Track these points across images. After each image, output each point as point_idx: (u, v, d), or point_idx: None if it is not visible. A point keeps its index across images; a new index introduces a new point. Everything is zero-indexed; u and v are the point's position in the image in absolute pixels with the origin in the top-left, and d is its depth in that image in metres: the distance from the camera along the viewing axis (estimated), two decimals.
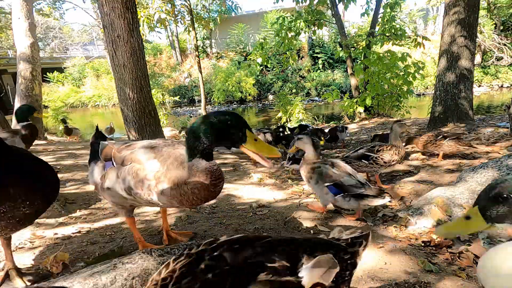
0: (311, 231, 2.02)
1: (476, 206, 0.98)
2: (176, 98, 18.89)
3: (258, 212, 2.41)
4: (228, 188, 3.13)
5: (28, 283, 1.43)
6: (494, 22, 20.95)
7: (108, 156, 1.58)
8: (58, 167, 4.27)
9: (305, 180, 2.38)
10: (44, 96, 17.22)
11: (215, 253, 0.91)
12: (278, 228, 2.05)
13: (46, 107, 15.07)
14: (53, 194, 1.38)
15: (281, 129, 5.73)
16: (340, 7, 10.73)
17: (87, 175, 3.73)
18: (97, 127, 1.94)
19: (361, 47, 9.90)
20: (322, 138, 4.73)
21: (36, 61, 8.93)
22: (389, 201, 2.35)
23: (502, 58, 20.44)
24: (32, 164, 1.31)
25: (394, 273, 1.51)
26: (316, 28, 10.19)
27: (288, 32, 10.10)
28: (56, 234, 2.00)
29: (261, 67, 22.69)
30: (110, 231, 2.06)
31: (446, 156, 3.67)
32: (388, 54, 8.76)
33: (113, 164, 1.54)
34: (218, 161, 4.62)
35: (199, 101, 20.59)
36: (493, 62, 20.75)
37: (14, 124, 8.64)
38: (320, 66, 23.86)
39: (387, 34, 9.76)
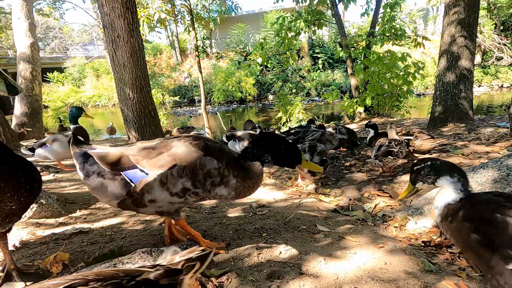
0: (311, 231, 2.02)
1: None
2: (176, 98, 18.89)
3: (258, 212, 2.41)
4: None
5: (28, 283, 1.43)
6: (494, 22, 20.95)
7: (126, 166, 1.45)
8: (58, 167, 4.27)
9: None
10: (44, 96, 17.22)
11: None
12: (278, 228, 2.05)
13: (46, 107, 15.09)
14: (38, 190, 1.39)
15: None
16: (340, 7, 10.73)
17: None
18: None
19: (361, 47, 9.90)
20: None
21: (36, 61, 8.93)
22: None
23: (502, 58, 20.45)
24: (18, 161, 1.33)
25: (394, 273, 1.51)
26: (316, 28, 10.18)
27: (288, 32, 10.10)
28: (56, 234, 2.00)
29: (261, 67, 22.70)
30: (110, 231, 2.06)
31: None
32: (388, 54, 8.76)
33: (144, 172, 1.43)
34: None
35: (199, 101, 20.58)
36: (493, 62, 20.75)
37: (15, 125, 8.65)
38: (320, 66, 23.87)
39: (387, 34, 9.76)
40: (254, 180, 1.57)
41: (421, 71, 8.70)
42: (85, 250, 1.75)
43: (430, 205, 2.21)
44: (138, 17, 7.27)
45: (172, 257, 0.93)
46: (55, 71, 25.84)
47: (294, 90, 22.26)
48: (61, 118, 9.39)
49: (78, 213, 2.45)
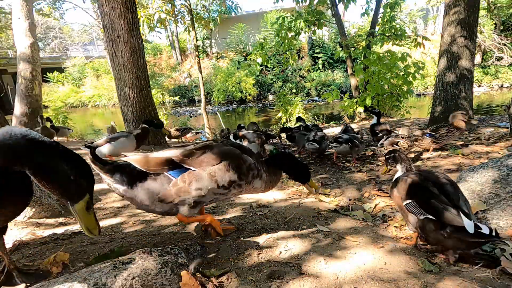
0: (311, 231, 2.02)
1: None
2: (176, 98, 18.90)
3: (258, 212, 2.41)
4: None
5: (28, 284, 1.43)
6: (494, 22, 20.96)
7: (169, 166, 1.60)
8: None
9: None
10: (44, 96, 17.23)
11: None
12: (278, 228, 2.05)
13: (46, 107, 15.08)
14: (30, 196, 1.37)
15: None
16: (340, 7, 10.74)
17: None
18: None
19: (361, 47, 9.90)
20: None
21: (36, 61, 8.93)
22: None
23: (502, 58, 20.45)
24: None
25: (394, 273, 1.51)
26: (316, 28, 10.19)
27: (288, 32, 10.11)
28: (56, 234, 2.00)
29: (261, 67, 22.71)
30: (110, 231, 2.06)
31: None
32: (388, 54, 8.76)
33: (190, 169, 1.61)
34: None
35: (199, 101, 20.59)
36: (493, 62, 20.76)
37: (15, 125, 8.65)
38: (320, 66, 23.87)
39: (387, 34, 9.77)
40: (277, 177, 1.91)
41: (421, 71, 8.70)
42: (85, 250, 1.75)
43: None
44: (138, 17, 7.27)
45: None
46: (55, 71, 25.85)
47: (294, 90, 22.26)
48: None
49: None
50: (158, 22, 10.23)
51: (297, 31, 10.07)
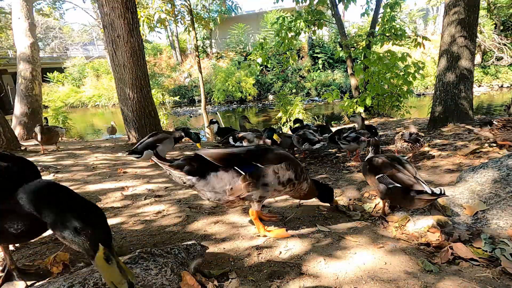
0: (311, 231, 2.02)
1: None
2: (176, 98, 18.89)
3: None
4: None
5: (29, 283, 1.43)
6: (494, 22, 20.96)
7: (237, 162, 1.75)
8: (59, 167, 4.27)
9: None
10: (44, 96, 17.21)
11: None
12: (278, 228, 2.05)
13: (46, 107, 15.07)
14: None
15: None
16: (340, 7, 10.72)
17: (87, 175, 3.75)
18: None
19: (361, 47, 9.89)
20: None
21: (36, 61, 8.92)
22: None
23: (502, 58, 20.45)
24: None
25: (394, 273, 1.51)
26: (316, 28, 10.18)
27: (288, 32, 10.09)
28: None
29: (261, 67, 22.70)
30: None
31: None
32: (388, 54, 8.75)
33: (257, 165, 1.78)
34: None
35: (199, 101, 20.59)
36: (493, 62, 20.76)
37: (15, 125, 8.65)
38: (320, 66, 23.86)
39: (387, 34, 9.76)
40: (313, 188, 2.14)
41: (421, 71, 8.70)
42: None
43: (430, 204, 2.21)
44: (138, 17, 7.27)
45: None
46: (55, 71, 25.83)
47: (294, 90, 22.25)
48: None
49: None
50: (158, 22, 10.23)
51: (297, 31, 10.06)
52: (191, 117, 16.09)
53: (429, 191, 1.91)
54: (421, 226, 2.09)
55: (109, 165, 4.45)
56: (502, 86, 20.62)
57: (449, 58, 5.49)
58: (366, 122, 8.86)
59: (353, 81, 10.60)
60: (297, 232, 1.98)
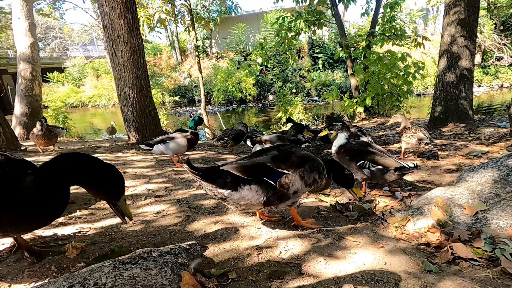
0: (311, 231, 2.02)
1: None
2: (176, 98, 18.91)
3: None
4: None
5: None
6: (494, 22, 20.95)
7: (266, 172, 1.79)
8: None
9: None
10: (44, 96, 17.23)
11: None
12: (278, 228, 2.05)
13: (46, 107, 15.08)
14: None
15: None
16: (340, 7, 10.74)
17: None
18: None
19: (361, 47, 9.89)
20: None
21: (36, 61, 8.93)
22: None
23: (502, 58, 20.45)
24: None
25: (394, 273, 1.51)
26: (316, 28, 10.18)
27: (288, 32, 10.10)
28: (56, 234, 2.00)
29: (261, 67, 22.71)
30: (110, 231, 2.06)
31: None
32: (388, 54, 8.76)
33: (284, 173, 1.82)
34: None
35: (199, 101, 20.60)
36: (493, 62, 20.76)
37: (15, 125, 8.65)
38: (320, 66, 23.86)
39: (387, 34, 9.76)
40: (330, 179, 2.17)
41: (421, 71, 8.70)
42: (85, 250, 1.75)
43: (430, 205, 2.21)
44: (138, 17, 7.27)
45: None
46: (55, 71, 25.83)
47: (294, 90, 22.24)
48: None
49: (78, 213, 2.45)
50: (158, 22, 10.23)
51: (297, 31, 10.07)
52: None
53: (407, 166, 2.45)
54: (421, 226, 2.09)
55: None
56: (502, 86, 20.62)
57: (449, 58, 5.50)
58: (366, 122, 8.89)
59: (353, 81, 10.61)
60: (297, 232, 1.98)
